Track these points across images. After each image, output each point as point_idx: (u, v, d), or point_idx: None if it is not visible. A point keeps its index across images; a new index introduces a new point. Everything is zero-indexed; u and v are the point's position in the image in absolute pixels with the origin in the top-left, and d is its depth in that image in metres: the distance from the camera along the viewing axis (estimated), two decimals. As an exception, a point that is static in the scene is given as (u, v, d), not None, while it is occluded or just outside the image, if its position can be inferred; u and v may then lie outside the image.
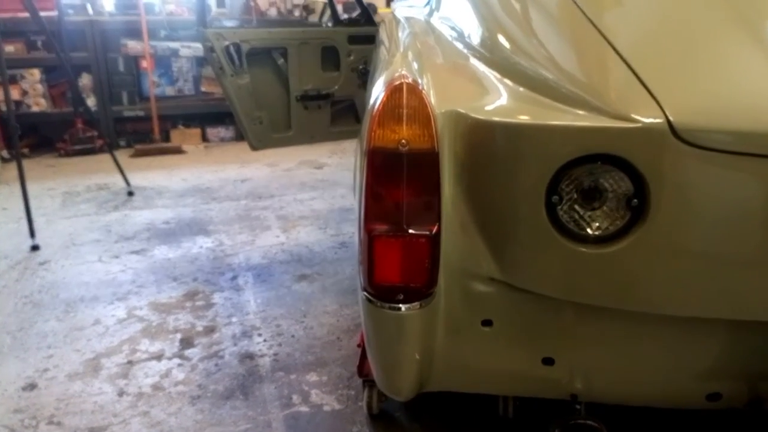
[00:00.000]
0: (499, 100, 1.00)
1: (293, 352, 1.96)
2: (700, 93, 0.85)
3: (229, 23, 3.14)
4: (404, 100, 0.93)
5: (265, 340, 2.04)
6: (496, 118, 0.92)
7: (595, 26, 0.98)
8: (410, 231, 0.90)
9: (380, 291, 0.93)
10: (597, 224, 0.89)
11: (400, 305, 0.93)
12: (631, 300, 0.90)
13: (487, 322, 0.99)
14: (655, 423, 1.32)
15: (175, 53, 4.96)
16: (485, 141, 0.93)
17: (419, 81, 0.99)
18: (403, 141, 0.90)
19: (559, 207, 0.88)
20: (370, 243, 0.90)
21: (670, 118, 0.81)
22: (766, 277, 0.85)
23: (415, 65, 1.14)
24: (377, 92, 0.98)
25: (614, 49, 0.93)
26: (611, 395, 1.04)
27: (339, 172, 4.08)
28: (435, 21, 1.51)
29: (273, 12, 5.83)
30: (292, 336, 2.07)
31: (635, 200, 0.85)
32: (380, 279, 0.92)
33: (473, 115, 0.94)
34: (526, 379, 1.03)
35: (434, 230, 0.90)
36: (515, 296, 0.96)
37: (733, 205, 0.82)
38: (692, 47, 0.94)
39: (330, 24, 3.08)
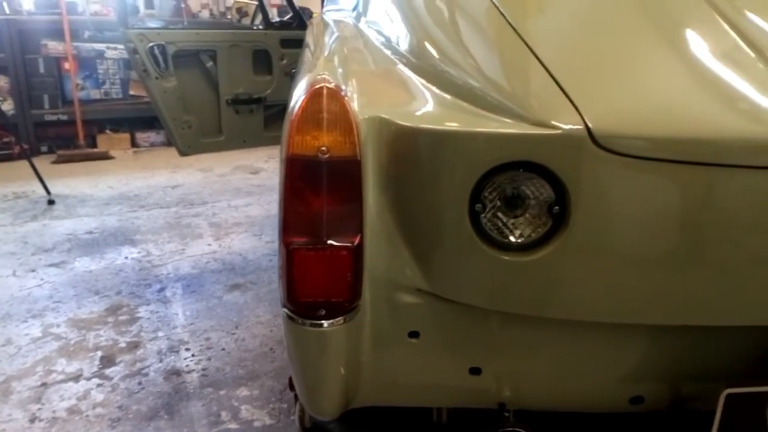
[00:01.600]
0: (424, 107, 0.98)
1: (223, 366, 1.88)
2: (619, 100, 0.86)
3: (154, 24, 3.01)
4: (324, 105, 0.89)
5: (193, 355, 1.95)
6: (420, 125, 0.90)
7: (518, 34, 0.98)
8: (331, 243, 0.86)
9: (301, 307, 0.89)
10: (520, 232, 0.88)
11: (323, 321, 0.89)
12: (556, 308, 0.90)
13: (413, 334, 0.96)
14: (584, 428, 1.34)
15: (100, 55, 4.74)
16: (409, 148, 0.91)
17: (341, 85, 0.96)
18: (323, 148, 0.86)
19: (483, 215, 0.87)
20: (289, 257, 0.86)
21: (589, 125, 0.81)
22: (688, 281, 0.86)
23: (340, 70, 1.11)
24: (297, 97, 0.94)
25: (536, 56, 0.93)
26: (539, 402, 1.03)
27: (275, 178, 3.98)
28: (363, 25, 1.48)
29: (205, 14, 5.66)
30: (223, 349, 1.98)
31: (556, 207, 0.85)
32: (300, 295, 0.88)
33: (397, 121, 0.91)
34: (454, 390, 1.01)
35: (356, 241, 0.87)
36: (441, 306, 0.94)
37: (652, 211, 0.83)
38: (612, 55, 0.95)
39: (261, 27, 3.01)
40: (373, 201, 0.94)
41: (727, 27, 0.95)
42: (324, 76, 0.96)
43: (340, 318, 0.90)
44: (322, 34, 1.51)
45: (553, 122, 0.82)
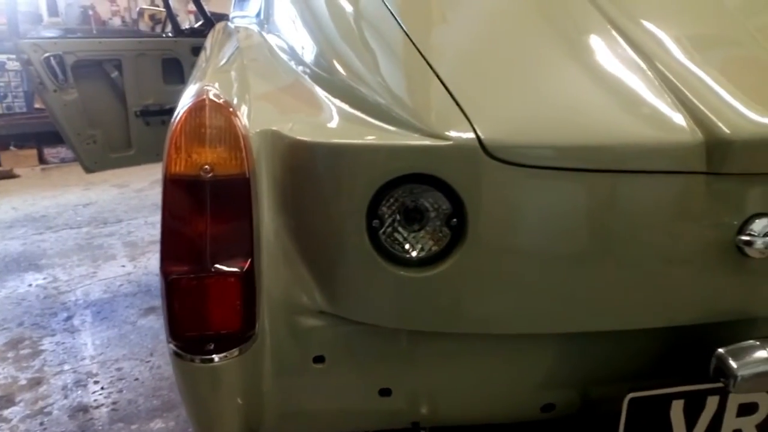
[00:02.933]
0: (320, 119, 0.93)
1: (136, 398, 1.76)
2: (511, 110, 0.85)
3: (51, 33, 2.82)
4: (207, 120, 0.83)
5: (102, 388, 1.82)
6: (313, 138, 0.85)
7: (415, 45, 0.96)
8: (217, 270, 0.79)
9: (187, 342, 0.82)
10: (420, 246, 0.84)
11: (213, 356, 0.82)
12: (462, 322, 0.87)
13: (319, 359, 0.91)
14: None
15: (1, 66, 4.42)
16: (303, 163, 0.86)
17: (229, 97, 0.89)
18: (206, 166, 0.80)
19: (381, 231, 0.83)
20: (169, 288, 0.78)
21: (480, 135, 0.78)
22: (592, 287, 0.86)
23: (232, 80, 1.05)
24: (178, 111, 0.87)
25: (432, 68, 0.91)
26: (452, 417, 1.01)
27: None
28: (266, 34, 1.42)
29: (116, 21, 5.41)
30: (136, 379, 1.86)
31: (455, 219, 0.82)
32: (185, 329, 0.80)
33: (290, 135, 0.86)
34: (365, 413, 0.96)
35: (246, 266, 0.81)
36: (346, 329, 0.90)
37: (548, 219, 0.82)
38: (506, 66, 0.94)
39: (171, 35, 2.88)
40: (269, 220, 0.88)
41: (615, 34, 0.96)
42: (208, 87, 0.89)
43: (234, 350, 0.83)
44: (220, 42, 1.44)
45: (446, 134, 0.79)
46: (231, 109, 0.86)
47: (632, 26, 0.98)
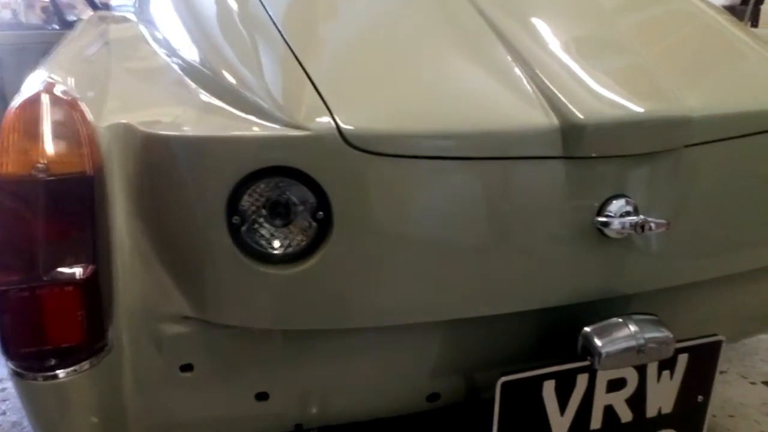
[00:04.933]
0: (180, 112, 0.88)
1: (21, 420, 1.61)
2: (374, 100, 0.84)
3: None
4: (43, 113, 0.75)
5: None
6: (165, 131, 0.80)
7: (282, 36, 0.93)
8: (52, 279, 0.72)
9: (25, 359, 0.74)
10: (288, 242, 0.81)
11: (57, 372, 0.75)
12: (336, 318, 0.85)
13: (186, 367, 0.86)
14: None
15: None
16: (156, 158, 0.80)
17: (75, 89, 0.82)
18: (39, 165, 0.73)
19: (244, 228, 0.79)
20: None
21: (340, 125, 0.76)
22: (463, 276, 0.86)
23: (86, 71, 0.97)
24: (11, 105, 0.78)
25: (297, 59, 0.88)
26: (338, 415, 0.98)
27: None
28: (141, 24, 1.34)
29: (6, 14, 4.98)
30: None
31: (321, 213, 0.79)
32: (20, 345, 0.73)
33: (142, 128, 0.80)
34: (242, 420, 0.92)
35: (89, 273, 0.74)
36: (214, 333, 0.85)
37: (415, 208, 0.81)
38: (373, 57, 0.92)
39: (58, 27, 2.68)
40: (122, 222, 0.82)
41: (486, 28, 0.97)
42: (47, 78, 0.82)
43: (83, 363, 0.77)
44: (84, 31, 1.34)
45: (305, 124, 0.77)
46: (71, 102, 0.78)
47: (501, 19, 0.99)
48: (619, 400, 0.94)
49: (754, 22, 4.98)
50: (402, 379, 0.96)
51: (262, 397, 0.90)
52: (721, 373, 1.93)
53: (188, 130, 0.79)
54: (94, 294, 0.75)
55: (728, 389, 1.81)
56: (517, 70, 0.90)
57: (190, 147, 0.78)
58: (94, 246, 0.75)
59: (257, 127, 0.78)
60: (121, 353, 0.82)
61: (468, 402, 1.04)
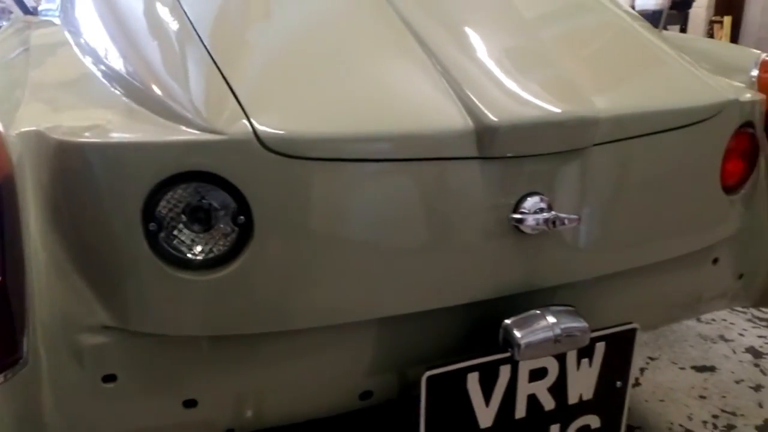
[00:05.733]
0: (97, 118, 0.87)
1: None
2: (292, 103, 0.85)
3: None
4: None
5: None
6: (79, 138, 0.79)
7: (202, 41, 0.93)
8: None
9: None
10: (209, 247, 0.81)
11: (-34, 386, 0.73)
12: (262, 322, 0.85)
13: (109, 378, 0.85)
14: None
15: None
16: (71, 166, 0.79)
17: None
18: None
19: (162, 234, 0.79)
20: None
21: (257, 128, 0.77)
22: (388, 275, 0.88)
23: (1, 77, 0.95)
24: None
25: (216, 64, 0.89)
26: (270, 418, 0.99)
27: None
28: (66, 29, 1.31)
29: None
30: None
31: (241, 217, 0.80)
32: None
33: (54, 136, 0.79)
34: (171, 428, 0.91)
35: (-7, 285, 0.72)
36: (137, 342, 0.84)
37: (337, 210, 0.83)
38: (292, 61, 0.94)
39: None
40: (37, 232, 0.80)
41: (407, 34, 1.00)
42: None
43: (-4, 378, 0.74)
44: (4, 37, 1.30)
45: (222, 128, 0.77)
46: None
47: (422, 24, 1.02)
48: (541, 389, 0.98)
49: (683, 26, 5.25)
50: (333, 379, 0.98)
51: (190, 404, 0.89)
52: (653, 359, 2.03)
53: (101, 137, 0.79)
54: (4, 307, 0.73)
55: (659, 375, 1.90)
56: (436, 75, 0.93)
57: (103, 153, 0.78)
58: (2, 258, 0.73)
59: (172, 133, 0.78)
60: (39, 367, 0.80)
61: (401, 399, 1.06)
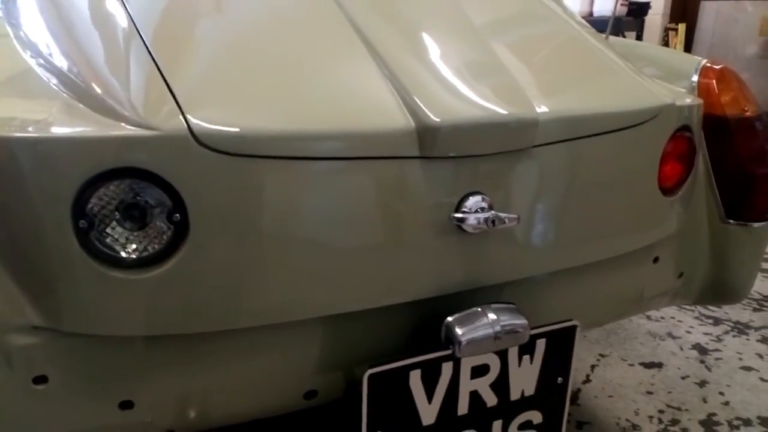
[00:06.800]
0: (31, 113, 0.84)
1: None
2: (229, 100, 0.84)
3: None
4: None
5: None
6: (4, 133, 0.76)
7: (141, 37, 0.92)
8: None
9: None
10: (144, 245, 0.80)
11: None
12: (200, 321, 0.84)
13: (40, 379, 0.83)
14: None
15: None
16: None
17: None
18: None
19: (93, 232, 0.77)
20: None
21: (191, 124, 0.76)
22: (329, 273, 0.87)
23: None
24: None
25: (154, 59, 0.87)
26: (212, 419, 0.97)
27: None
28: (8, 22, 1.27)
29: None
30: None
31: (177, 215, 0.78)
32: None
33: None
34: (106, 430, 0.89)
35: None
36: (68, 342, 0.82)
37: (275, 208, 0.82)
38: (233, 58, 0.92)
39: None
40: (-35, 232, 0.77)
41: (354, 35, 1.00)
42: None
43: None
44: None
45: (156, 124, 0.76)
46: None
47: (367, 24, 1.02)
48: (483, 386, 1.00)
49: (640, 33, 5.39)
50: (277, 378, 0.97)
51: (126, 405, 0.88)
52: (604, 356, 2.08)
53: (30, 131, 0.76)
54: None
55: (609, 371, 1.95)
56: (380, 75, 0.93)
57: (31, 148, 0.75)
58: None
59: (105, 128, 0.77)
60: (-37, 369, 0.77)
61: (347, 398, 1.06)
